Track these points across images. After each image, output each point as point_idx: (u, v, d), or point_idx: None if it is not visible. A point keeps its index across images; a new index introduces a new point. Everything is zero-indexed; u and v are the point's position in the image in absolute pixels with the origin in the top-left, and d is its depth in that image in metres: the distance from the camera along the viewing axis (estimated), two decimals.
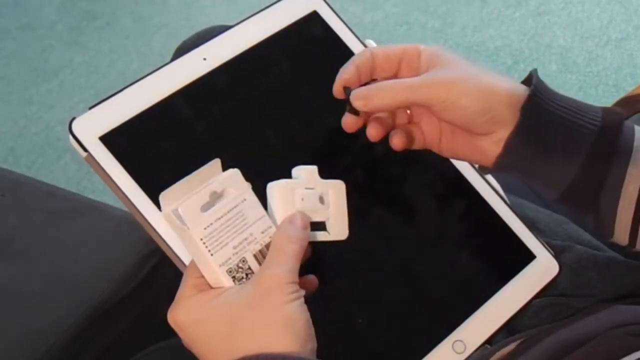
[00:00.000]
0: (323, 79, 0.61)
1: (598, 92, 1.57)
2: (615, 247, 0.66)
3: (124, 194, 0.55)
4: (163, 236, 0.55)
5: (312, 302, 0.50)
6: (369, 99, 0.53)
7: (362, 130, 0.58)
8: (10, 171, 0.97)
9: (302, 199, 0.50)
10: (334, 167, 0.60)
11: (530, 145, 0.51)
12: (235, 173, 0.49)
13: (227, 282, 0.48)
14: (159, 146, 0.58)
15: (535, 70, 0.54)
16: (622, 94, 0.98)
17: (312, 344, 0.47)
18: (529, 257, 0.61)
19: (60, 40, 1.77)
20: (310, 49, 0.63)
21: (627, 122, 0.53)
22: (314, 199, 0.51)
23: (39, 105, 1.66)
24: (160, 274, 0.84)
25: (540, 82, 0.53)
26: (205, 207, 0.47)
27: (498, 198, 0.62)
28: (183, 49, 0.62)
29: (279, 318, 0.46)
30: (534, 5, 1.74)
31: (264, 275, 0.46)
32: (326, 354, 0.48)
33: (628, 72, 1.61)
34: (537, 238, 0.61)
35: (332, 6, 0.65)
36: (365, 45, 0.64)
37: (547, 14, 1.73)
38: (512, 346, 0.55)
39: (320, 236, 0.51)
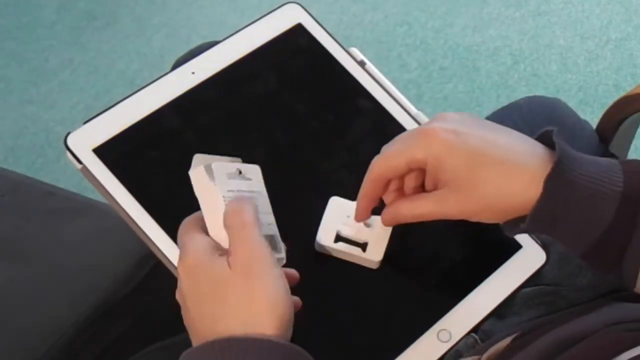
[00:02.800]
0: (308, 88, 0.64)
1: (598, 92, 1.57)
2: None
3: (117, 203, 0.58)
4: (157, 244, 0.57)
5: (296, 293, 0.53)
6: (393, 221, 0.56)
7: (346, 137, 0.63)
8: (10, 171, 0.97)
9: (348, 216, 0.58)
10: (319, 171, 0.62)
11: (552, 215, 0.51)
12: (258, 169, 0.55)
13: (225, 244, 0.50)
14: (150, 156, 0.61)
15: (554, 130, 0.52)
16: (622, 94, 0.98)
17: (290, 333, 0.48)
18: (515, 247, 0.62)
19: (60, 40, 1.77)
20: (295, 60, 0.65)
21: None
22: None
23: (39, 105, 1.66)
24: (160, 274, 0.84)
25: (564, 149, 0.51)
26: (231, 177, 0.52)
27: None
28: (177, 66, 0.64)
29: (265, 294, 0.47)
30: (534, 5, 1.74)
31: (242, 254, 0.48)
32: (311, 345, 0.49)
33: (628, 72, 1.61)
34: None
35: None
36: (349, 54, 0.66)
37: (547, 14, 1.73)
38: (507, 340, 0.55)
39: (356, 251, 0.57)
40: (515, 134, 0.53)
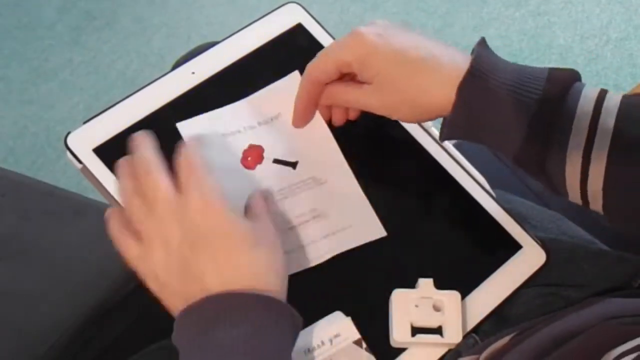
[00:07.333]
0: None
1: None
2: (608, 241, 0.67)
3: (118, 203, 0.57)
4: None
5: (296, 283, 0.55)
6: (327, 98, 0.60)
7: (347, 137, 0.63)
8: (10, 171, 0.97)
9: (416, 306, 0.57)
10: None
11: (469, 121, 0.53)
12: (348, 322, 0.56)
13: None
14: None
15: (483, 38, 0.56)
16: (622, 94, 0.98)
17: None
18: (515, 247, 0.62)
19: (60, 40, 1.77)
20: (295, 60, 0.65)
21: (577, 85, 0.53)
22: (427, 306, 0.57)
23: (39, 105, 1.66)
24: None
25: (481, 56, 0.54)
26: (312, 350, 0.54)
27: (482, 191, 0.63)
28: (177, 67, 0.64)
29: (276, 259, 0.51)
30: (534, 5, 1.74)
31: (261, 226, 0.52)
32: None
33: (628, 72, 1.61)
34: (523, 228, 0.62)
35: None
36: None
37: (547, 14, 1.73)
38: (505, 339, 0.55)
39: (434, 339, 0.57)
40: (440, 42, 0.56)
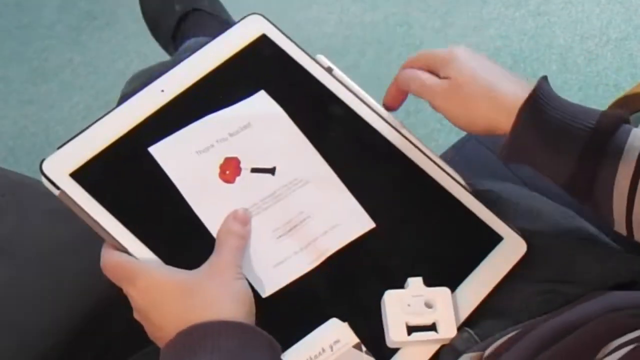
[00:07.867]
0: (278, 97, 0.64)
1: (598, 92, 1.57)
2: (616, 240, 0.67)
3: (100, 225, 0.57)
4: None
5: (285, 293, 0.58)
6: (408, 77, 0.66)
7: (319, 143, 0.64)
8: (10, 171, 0.97)
9: (409, 305, 0.58)
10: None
11: (526, 143, 0.57)
12: (345, 327, 0.56)
13: None
14: (128, 176, 0.60)
15: (546, 77, 0.60)
16: (622, 94, 0.98)
17: (253, 319, 0.55)
18: (496, 238, 0.63)
19: (60, 40, 1.77)
20: (262, 70, 0.66)
21: (627, 125, 0.57)
22: (419, 304, 0.58)
23: (39, 105, 1.66)
24: None
25: (542, 86, 0.58)
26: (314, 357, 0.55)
27: (459, 187, 0.64)
28: (124, 99, 0.63)
29: (230, 291, 0.54)
30: (534, 5, 1.74)
31: (215, 259, 0.56)
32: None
33: (628, 72, 1.61)
34: (502, 220, 0.63)
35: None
36: (315, 61, 0.66)
37: (547, 14, 1.73)
38: (509, 335, 0.55)
39: (430, 336, 0.57)
40: (516, 81, 0.62)
